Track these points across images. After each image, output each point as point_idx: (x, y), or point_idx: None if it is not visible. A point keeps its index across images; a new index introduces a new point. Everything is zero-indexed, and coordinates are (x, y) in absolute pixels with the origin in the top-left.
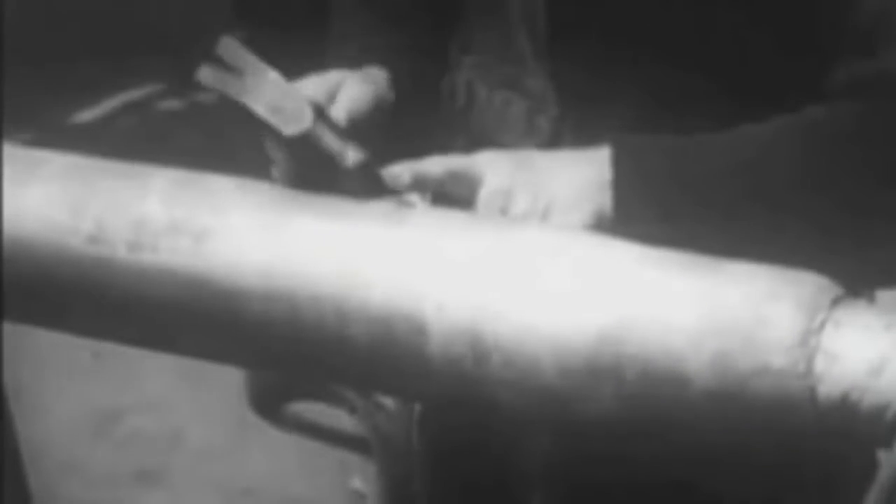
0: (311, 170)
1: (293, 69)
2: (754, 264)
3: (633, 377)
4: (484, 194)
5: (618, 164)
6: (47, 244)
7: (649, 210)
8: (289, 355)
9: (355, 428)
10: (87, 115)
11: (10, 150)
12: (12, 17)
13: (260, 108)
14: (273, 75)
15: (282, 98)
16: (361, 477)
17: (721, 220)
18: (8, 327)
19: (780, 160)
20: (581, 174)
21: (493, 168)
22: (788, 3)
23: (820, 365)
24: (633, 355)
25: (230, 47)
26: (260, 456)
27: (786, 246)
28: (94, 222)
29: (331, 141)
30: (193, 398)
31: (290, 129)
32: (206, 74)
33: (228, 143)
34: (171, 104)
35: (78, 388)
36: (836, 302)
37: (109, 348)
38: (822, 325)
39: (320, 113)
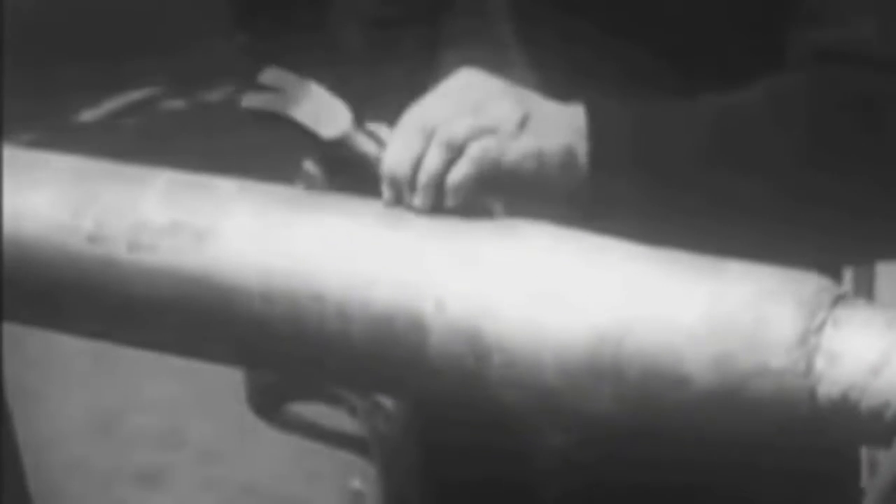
0: (345, 179)
1: (293, 70)
2: (754, 264)
3: (633, 377)
4: (461, 82)
5: (592, 116)
6: (48, 244)
7: (622, 158)
8: (289, 355)
9: (355, 429)
10: (89, 116)
11: (10, 151)
12: (12, 17)
13: (300, 115)
14: (313, 86)
15: (321, 106)
16: (361, 477)
17: (695, 180)
18: (8, 327)
19: (750, 123)
20: (558, 110)
21: (473, 75)
22: None
23: (820, 364)
24: (634, 355)
25: (273, 73)
26: (260, 456)
27: (763, 217)
28: (95, 222)
29: (367, 145)
30: (193, 398)
31: (327, 131)
32: (250, 99)
33: (231, 143)
34: (174, 104)
35: (78, 388)
36: (836, 301)
37: (110, 348)
38: (822, 325)
39: (357, 118)
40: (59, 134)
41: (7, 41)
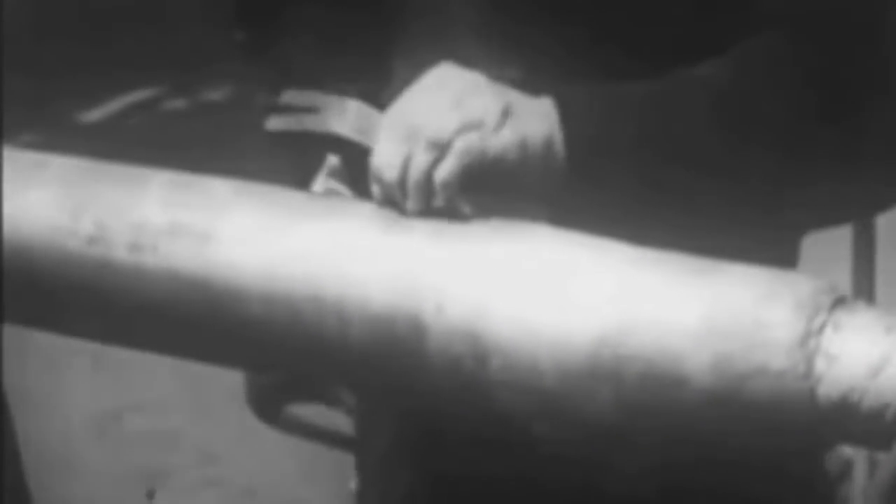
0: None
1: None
2: (754, 266)
3: (632, 379)
4: (440, 75)
5: (562, 105)
6: (47, 246)
7: (594, 143)
8: (288, 356)
9: (354, 429)
10: (92, 116)
11: (10, 152)
12: (13, 16)
13: (345, 130)
14: (354, 103)
15: (363, 118)
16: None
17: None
18: (8, 328)
19: (712, 96)
20: (534, 101)
21: (452, 70)
22: None
23: (820, 366)
24: (633, 357)
25: (295, 94)
26: (259, 457)
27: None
28: (94, 224)
29: None
30: (193, 399)
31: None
32: (276, 123)
33: (233, 143)
34: (176, 104)
35: (78, 389)
36: (835, 303)
37: (109, 349)
38: (822, 327)
39: None
40: (59, 134)
41: (7, 41)
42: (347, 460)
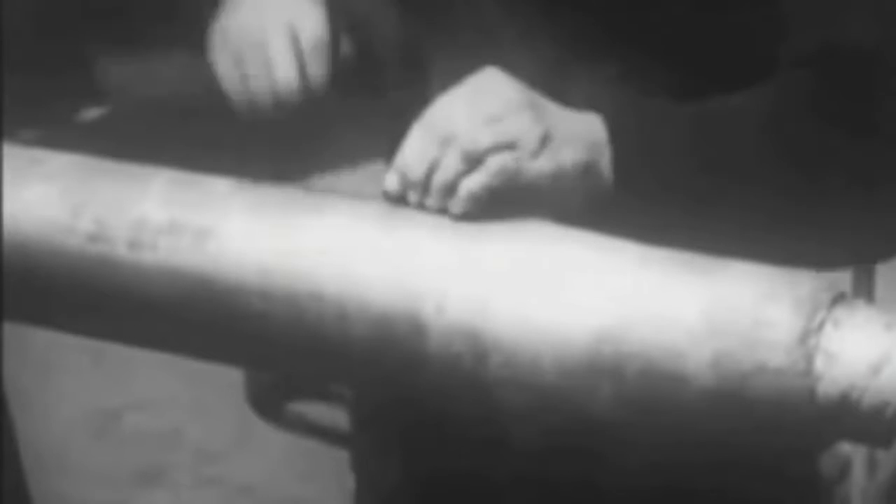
0: None
1: None
2: (754, 263)
3: (632, 376)
4: (488, 101)
5: (612, 128)
6: (47, 243)
7: (646, 167)
8: (288, 354)
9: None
10: (92, 114)
11: (9, 148)
12: (12, 16)
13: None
14: None
15: None
16: None
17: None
18: (8, 327)
19: (741, 129)
20: (576, 122)
21: (495, 81)
22: None
23: (819, 364)
24: (633, 354)
25: None
26: (260, 456)
27: (755, 222)
28: (95, 221)
29: None
30: (193, 398)
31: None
32: None
33: (233, 143)
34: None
35: (77, 388)
36: (835, 301)
37: (109, 348)
38: (822, 325)
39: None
40: (59, 133)
41: (7, 41)
42: (347, 460)
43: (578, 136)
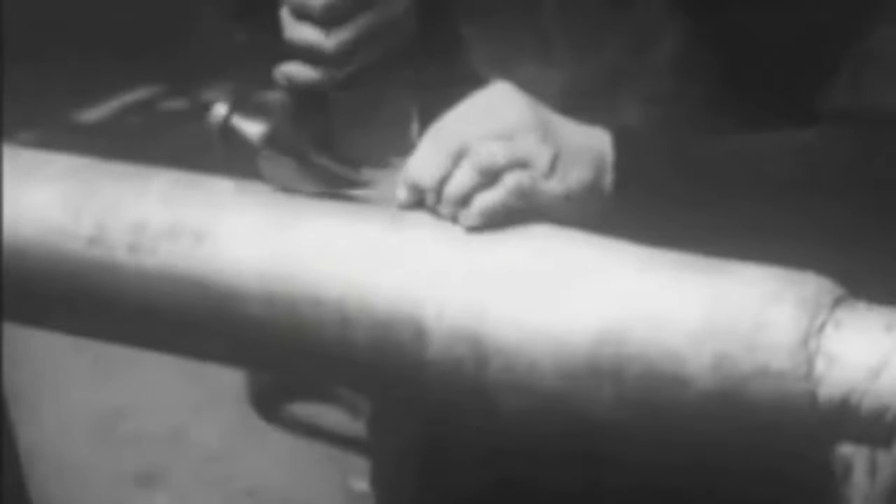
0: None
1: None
2: (754, 265)
3: (633, 379)
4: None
5: (618, 146)
6: (47, 246)
7: (646, 192)
8: (289, 358)
9: (356, 429)
10: (91, 115)
11: (10, 150)
12: (13, 15)
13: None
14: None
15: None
16: (361, 478)
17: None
18: (8, 328)
19: (772, 170)
20: (582, 138)
21: (506, 99)
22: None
23: (820, 366)
24: (634, 357)
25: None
26: (260, 456)
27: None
28: (94, 224)
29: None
30: (193, 398)
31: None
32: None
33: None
34: (175, 104)
35: (78, 389)
36: (836, 303)
37: (109, 349)
38: (823, 327)
39: None
40: (59, 134)
41: (6, 40)
42: (347, 460)
43: (583, 153)
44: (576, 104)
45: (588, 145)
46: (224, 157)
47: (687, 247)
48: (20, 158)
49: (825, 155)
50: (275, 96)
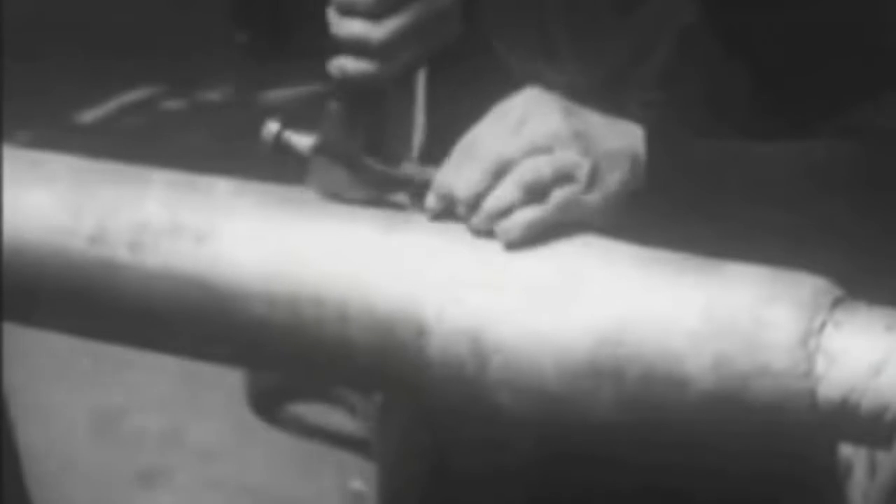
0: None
1: (290, 70)
2: (754, 266)
3: (633, 379)
4: (532, 135)
5: (651, 142)
6: (48, 245)
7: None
8: (290, 357)
9: (355, 429)
10: (90, 115)
11: (10, 151)
12: (13, 15)
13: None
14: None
15: None
16: (361, 478)
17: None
18: (8, 328)
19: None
20: (616, 138)
21: (540, 109)
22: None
23: (820, 366)
24: (633, 357)
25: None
26: (260, 456)
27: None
28: (95, 223)
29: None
30: (193, 398)
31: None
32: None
33: (232, 144)
34: (174, 104)
35: (78, 389)
36: (836, 303)
37: (109, 349)
38: (823, 326)
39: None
40: (58, 134)
41: (6, 40)
42: (347, 460)
43: (621, 157)
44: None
45: (622, 147)
46: (275, 170)
47: (687, 248)
48: (20, 159)
49: (830, 166)
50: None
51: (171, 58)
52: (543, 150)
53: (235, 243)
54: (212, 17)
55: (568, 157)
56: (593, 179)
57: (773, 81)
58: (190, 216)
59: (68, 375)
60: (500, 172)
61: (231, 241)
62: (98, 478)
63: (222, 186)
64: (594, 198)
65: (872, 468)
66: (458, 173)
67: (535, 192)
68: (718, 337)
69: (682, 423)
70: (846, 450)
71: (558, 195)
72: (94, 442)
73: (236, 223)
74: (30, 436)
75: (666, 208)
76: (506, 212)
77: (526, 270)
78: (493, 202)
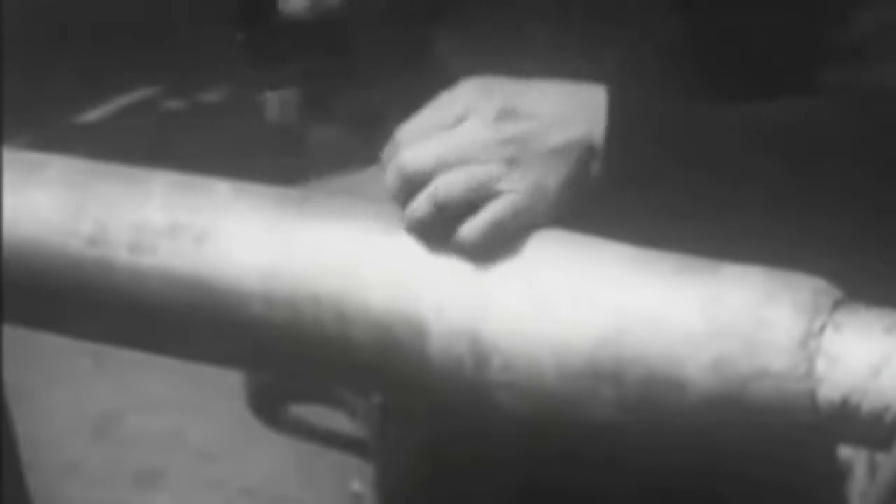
0: None
1: (289, 70)
2: (754, 266)
3: (632, 380)
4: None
5: (616, 103)
6: (47, 246)
7: (644, 150)
8: (289, 357)
9: (354, 430)
10: (91, 116)
11: (10, 152)
12: (12, 16)
13: None
14: None
15: None
16: (360, 479)
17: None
18: (8, 329)
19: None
20: (570, 122)
21: (477, 111)
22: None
23: (820, 367)
24: (633, 358)
25: None
26: (259, 457)
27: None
28: (95, 224)
29: None
30: (193, 398)
31: None
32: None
33: (232, 144)
34: (175, 105)
35: (78, 389)
36: (836, 305)
37: (109, 349)
38: (823, 328)
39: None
40: (58, 134)
41: (6, 40)
42: (347, 460)
43: (567, 149)
44: None
45: (570, 139)
46: (275, 170)
47: (687, 248)
48: (20, 160)
49: (827, 127)
50: (273, 97)
51: (171, 58)
52: (466, 160)
53: (234, 243)
54: (212, 17)
55: (487, 171)
56: (525, 187)
57: (739, 37)
58: (189, 217)
59: (68, 375)
60: (417, 184)
61: (230, 241)
62: (98, 478)
63: (222, 187)
64: (531, 201)
65: (872, 469)
66: (387, 168)
67: (448, 209)
68: (718, 338)
69: (682, 424)
70: (846, 451)
71: (489, 211)
72: (94, 442)
73: (235, 223)
74: (30, 436)
75: (659, 199)
76: (421, 226)
77: (526, 270)
78: (409, 213)
